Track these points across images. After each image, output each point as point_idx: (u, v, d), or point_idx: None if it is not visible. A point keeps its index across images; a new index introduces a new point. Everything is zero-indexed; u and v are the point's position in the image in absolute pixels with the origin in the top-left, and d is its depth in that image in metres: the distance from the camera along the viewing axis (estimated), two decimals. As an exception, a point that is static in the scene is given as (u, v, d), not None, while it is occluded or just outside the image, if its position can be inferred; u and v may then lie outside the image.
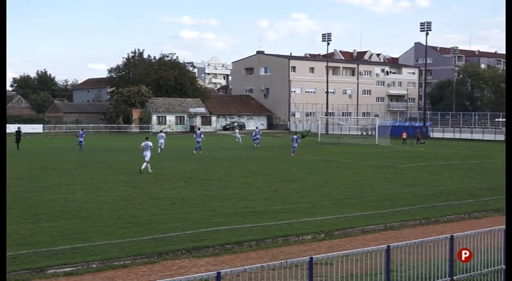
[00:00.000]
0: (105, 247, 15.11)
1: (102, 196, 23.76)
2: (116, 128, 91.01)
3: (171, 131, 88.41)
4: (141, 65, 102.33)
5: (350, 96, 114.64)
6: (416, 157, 45.62)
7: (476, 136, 74.88)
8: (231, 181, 28.98)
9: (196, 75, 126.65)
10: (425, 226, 18.85)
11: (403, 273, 10.88)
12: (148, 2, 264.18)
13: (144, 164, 32.04)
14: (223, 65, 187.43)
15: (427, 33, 79.85)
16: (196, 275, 8.56)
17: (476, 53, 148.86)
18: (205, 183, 28.03)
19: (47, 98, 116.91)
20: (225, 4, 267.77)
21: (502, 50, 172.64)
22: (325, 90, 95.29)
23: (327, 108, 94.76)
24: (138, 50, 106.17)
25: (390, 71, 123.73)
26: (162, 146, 46.93)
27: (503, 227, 11.90)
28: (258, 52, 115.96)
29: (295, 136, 48.79)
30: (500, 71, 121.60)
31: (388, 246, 10.30)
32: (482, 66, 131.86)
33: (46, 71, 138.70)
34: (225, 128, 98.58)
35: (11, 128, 68.89)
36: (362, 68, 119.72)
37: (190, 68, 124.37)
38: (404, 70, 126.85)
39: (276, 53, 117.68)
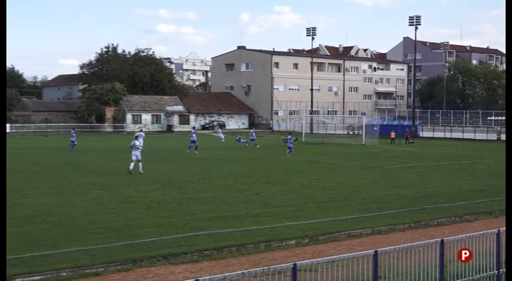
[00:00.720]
0: (76, 254, 15.00)
1: (73, 199, 23.59)
2: (88, 127, 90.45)
3: (146, 130, 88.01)
4: (115, 61, 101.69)
5: (336, 93, 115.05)
6: (405, 157, 45.93)
7: (468, 135, 75.51)
8: (211, 183, 28.96)
9: (174, 72, 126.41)
10: (415, 230, 18.94)
11: (392, 279, 10.91)
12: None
13: (132, 163, 32.26)
14: (202, 61, 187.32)
15: (416, 28, 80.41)
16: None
17: (468, 48, 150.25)
18: (183, 185, 27.99)
19: (15, 95, 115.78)
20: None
21: (495, 45, 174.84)
22: (310, 88, 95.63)
23: (312, 107, 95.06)
24: (112, 44, 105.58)
25: (378, 67, 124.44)
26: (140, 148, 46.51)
27: (496, 230, 11.98)
28: (239, 47, 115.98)
29: (289, 136, 48.82)
30: (492, 67, 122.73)
31: (376, 251, 10.32)
32: (474, 62, 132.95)
33: (13, 67, 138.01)
34: (204, 128, 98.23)
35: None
36: (348, 64, 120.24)
37: (168, 64, 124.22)
38: (393, 66, 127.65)
39: (258, 48, 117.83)
